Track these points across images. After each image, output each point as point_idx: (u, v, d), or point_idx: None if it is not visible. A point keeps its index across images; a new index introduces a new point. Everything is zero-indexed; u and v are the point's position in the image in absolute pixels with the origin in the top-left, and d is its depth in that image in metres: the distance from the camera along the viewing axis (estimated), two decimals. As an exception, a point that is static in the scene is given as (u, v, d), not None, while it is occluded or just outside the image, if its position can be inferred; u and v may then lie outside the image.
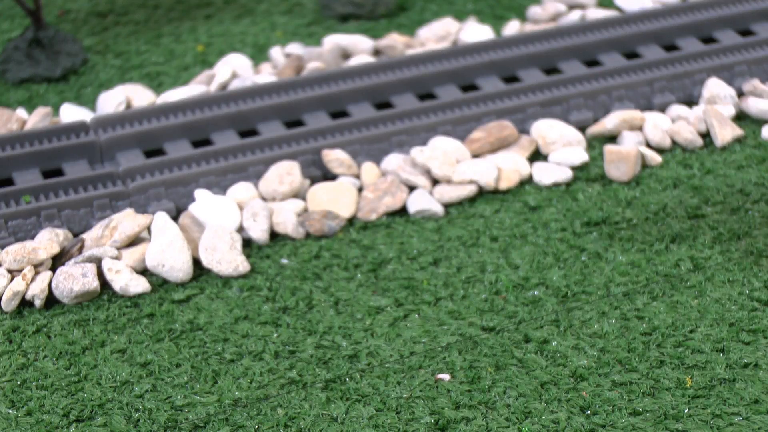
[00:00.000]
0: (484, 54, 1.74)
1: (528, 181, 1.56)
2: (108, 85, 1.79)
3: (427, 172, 1.54)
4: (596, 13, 1.90)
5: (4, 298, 1.37)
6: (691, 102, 1.70)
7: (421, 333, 1.32)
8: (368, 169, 1.55)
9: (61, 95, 1.78)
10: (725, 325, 1.31)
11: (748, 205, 1.49)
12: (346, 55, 1.82)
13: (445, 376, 1.24)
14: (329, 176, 1.57)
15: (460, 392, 1.23)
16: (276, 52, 1.83)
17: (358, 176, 1.56)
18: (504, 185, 1.54)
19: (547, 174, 1.55)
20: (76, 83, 1.81)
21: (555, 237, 1.45)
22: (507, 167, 1.55)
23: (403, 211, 1.52)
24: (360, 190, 1.55)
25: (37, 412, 1.24)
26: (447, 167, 1.53)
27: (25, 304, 1.39)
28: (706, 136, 1.63)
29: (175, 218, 1.50)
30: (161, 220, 1.44)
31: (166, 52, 1.88)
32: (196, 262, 1.43)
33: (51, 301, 1.39)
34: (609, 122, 1.62)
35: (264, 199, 1.52)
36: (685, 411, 1.20)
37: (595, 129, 1.63)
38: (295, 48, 1.83)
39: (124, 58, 1.87)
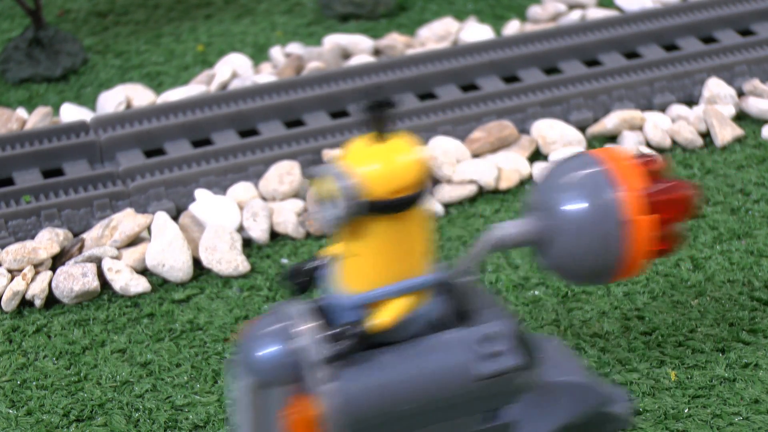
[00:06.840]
0: (484, 54, 1.74)
1: (528, 180, 1.56)
2: (108, 85, 1.79)
3: (427, 172, 1.54)
4: (596, 13, 1.90)
5: (4, 298, 1.37)
6: (691, 102, 1.70)
7: (421, 333, 1.32)
8: (368, 169, 1.55)
9: (61, 95, 1.78)
10: (725, 325, 1.31)
11: (748, 205, 1.49)
12: (346, 55, 1.82)
13: None
14: (329, 176, 1.56)
15: (460, 392, 1.23)
16: (276, 52, 1.83)
17: (358, 176, 1.56)
18: (504, 185, 1.54)
19: (547, 174, 1.55)
20: (76, 83, 1.81)
21: (555, 237, 1.45)
22: (507, 167, 1.55)
23: (403, 211, 1.52)
24: (360, 190, 1.54)
25: (37, 412, 1.24)
26: (447, 167, 1.53)
27: (25, 303, 1.39)
28: (706, 136, 1.63)
29: (175, 218, 1.50)
30: (161, 219, 1.44)
31: (166, 52, 1.88)
32: (196, 262, 1.43)
33: (51, 300, 1.39)
34: (609, 122, 1.62)
35: (264, 198, 1.52)
36: (685, 411, 1.20)
37: (595, 129, 1.63)
38: (295, 48, 1.83)
39: (124, 58, 1.87)
